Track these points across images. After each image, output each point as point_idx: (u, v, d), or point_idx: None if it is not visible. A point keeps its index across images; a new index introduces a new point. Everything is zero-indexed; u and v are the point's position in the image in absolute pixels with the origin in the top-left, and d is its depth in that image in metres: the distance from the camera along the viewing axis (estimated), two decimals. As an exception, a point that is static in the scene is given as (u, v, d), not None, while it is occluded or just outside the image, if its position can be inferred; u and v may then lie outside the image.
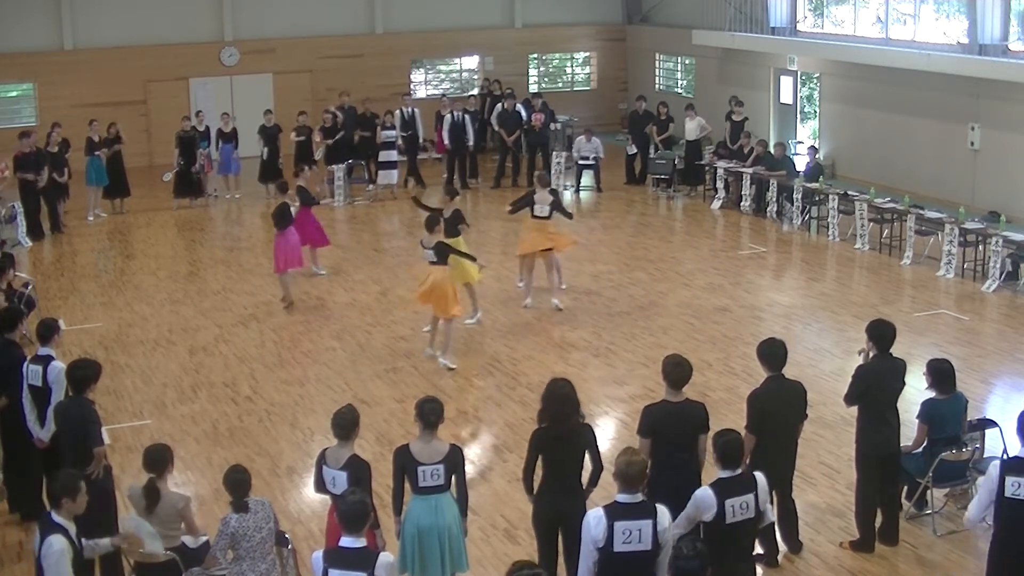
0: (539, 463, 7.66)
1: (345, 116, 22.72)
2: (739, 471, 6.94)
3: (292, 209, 15.58)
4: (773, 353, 8.31)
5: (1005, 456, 7.18)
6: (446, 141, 22.79)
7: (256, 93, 25.71)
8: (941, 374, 9.05)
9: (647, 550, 6.37)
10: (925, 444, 9.05)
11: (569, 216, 15.71)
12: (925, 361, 9.36)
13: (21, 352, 9.52)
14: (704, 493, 6.87)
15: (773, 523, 8.42)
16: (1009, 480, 7.08)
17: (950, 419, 9.08)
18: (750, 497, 6.89)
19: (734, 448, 6.93)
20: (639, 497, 6.45)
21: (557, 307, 15.01)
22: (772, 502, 8.50)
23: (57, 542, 6.56)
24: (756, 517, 6.97)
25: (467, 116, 22.89)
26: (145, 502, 7.39)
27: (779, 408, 8.27)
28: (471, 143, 23.03)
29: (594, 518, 6.44)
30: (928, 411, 9.01)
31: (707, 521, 6.82)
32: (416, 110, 23.18)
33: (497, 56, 28.45)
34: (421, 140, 23.39)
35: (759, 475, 7.07)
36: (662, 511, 6.48)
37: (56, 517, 6.72)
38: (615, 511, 6.41)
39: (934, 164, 20.71)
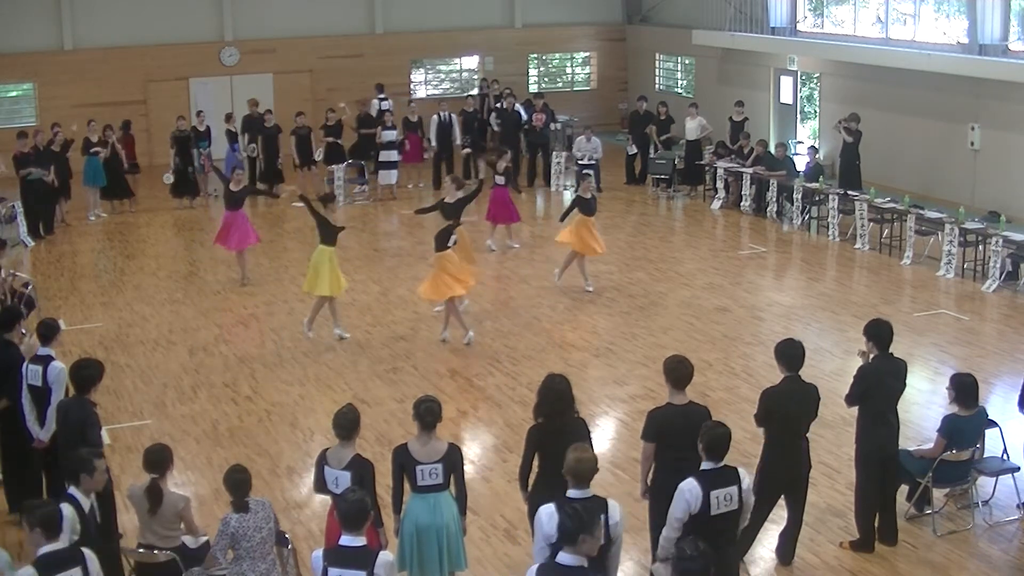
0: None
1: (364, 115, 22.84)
2: (722, 464, 6.93)
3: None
4: (791, 353, 8.28)
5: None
6: (433, 142, 22.69)
7: (256, 93, 25.62)
8: (965, 388, 9.05)
9: (599, 544, 6.31)
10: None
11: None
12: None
13: (20, 352, 9.52)
14: (689, 484, 6.83)
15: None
16: None
17: (969, 435, 9.09)
18: (733, 489, 6.90)
19: (720, 442, 6.93)
20: (589, 492, 6.43)
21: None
22: (787, 506, 8.54)
23: (66, 510, 6.66)
24: (739, 508, 6.99)
25: (452, 116, 22.81)
26: (148, 504, 7.41)
27: (789, 409, 8.21)
28: (458, 142, 22.96)
29: (546, 514, 6.37)
30: (949, 427, 9.01)
31: (692, 513, 6.80)
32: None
33: (497, 56, 28.44)
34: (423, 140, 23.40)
35: (741, 469, 7.06)
36: (613, 506, 6.45)
37: (72, 491, 7.02)
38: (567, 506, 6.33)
39: (934, 164, 20.71)
